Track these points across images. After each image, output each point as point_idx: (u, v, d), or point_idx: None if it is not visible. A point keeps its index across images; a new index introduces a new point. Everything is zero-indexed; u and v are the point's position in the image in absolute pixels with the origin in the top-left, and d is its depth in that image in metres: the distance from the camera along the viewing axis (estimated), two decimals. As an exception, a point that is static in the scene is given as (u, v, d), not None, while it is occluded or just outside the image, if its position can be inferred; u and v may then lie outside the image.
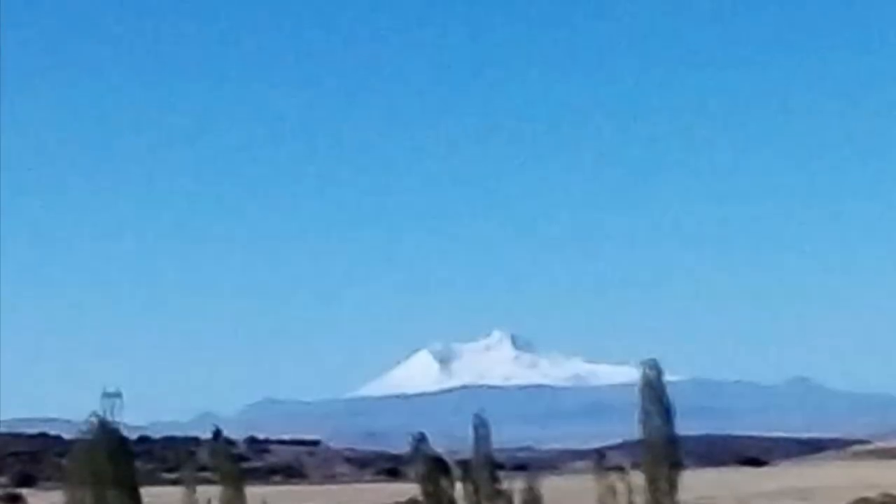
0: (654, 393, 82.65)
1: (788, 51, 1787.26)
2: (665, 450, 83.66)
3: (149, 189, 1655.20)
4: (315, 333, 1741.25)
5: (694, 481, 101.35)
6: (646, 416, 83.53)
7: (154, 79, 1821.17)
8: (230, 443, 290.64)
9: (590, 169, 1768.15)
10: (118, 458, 64.61)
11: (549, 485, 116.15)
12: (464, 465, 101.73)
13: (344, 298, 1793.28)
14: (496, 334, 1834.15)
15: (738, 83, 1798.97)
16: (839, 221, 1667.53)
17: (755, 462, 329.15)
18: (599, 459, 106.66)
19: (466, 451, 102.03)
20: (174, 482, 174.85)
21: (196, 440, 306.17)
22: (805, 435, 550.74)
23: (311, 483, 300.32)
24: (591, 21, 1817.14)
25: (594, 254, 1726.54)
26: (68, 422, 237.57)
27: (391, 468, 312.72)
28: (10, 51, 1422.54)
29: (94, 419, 62.93)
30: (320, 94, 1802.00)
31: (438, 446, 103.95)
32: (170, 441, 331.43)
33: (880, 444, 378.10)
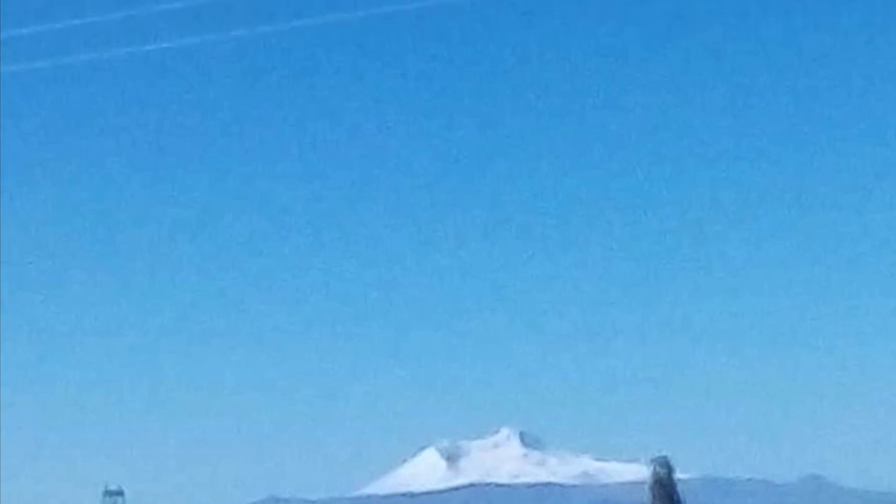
0: (665, 491, 75.79)
1: (802, 144, 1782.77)
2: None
3: (150, 283, 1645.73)
4: (320, 430, 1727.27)
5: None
6: (656, 516, 76.43)
7: (155, 172, 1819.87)
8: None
9: (599, 263, 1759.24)
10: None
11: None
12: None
13: (349, 394, 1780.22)
14: (504, 431, 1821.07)
15: (750, 176, 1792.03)
16: (853, 317, 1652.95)
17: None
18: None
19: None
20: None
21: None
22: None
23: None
24: (601, 113, 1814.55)
25: (603, 350, 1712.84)
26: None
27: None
28: (9, 143, 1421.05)
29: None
30: (325, 187, 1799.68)
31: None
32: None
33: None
